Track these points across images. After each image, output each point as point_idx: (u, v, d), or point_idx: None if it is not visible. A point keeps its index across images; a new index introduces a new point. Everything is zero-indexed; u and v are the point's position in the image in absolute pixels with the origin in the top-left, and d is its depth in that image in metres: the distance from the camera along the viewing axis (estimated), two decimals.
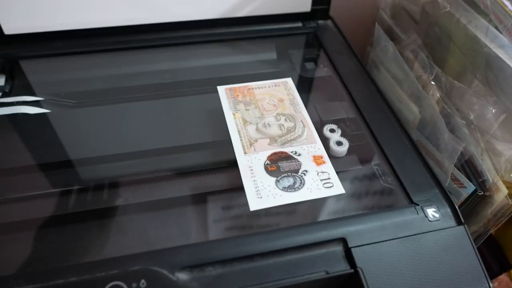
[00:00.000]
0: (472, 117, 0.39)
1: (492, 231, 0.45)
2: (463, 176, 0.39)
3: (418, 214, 0.34)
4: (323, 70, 0.49)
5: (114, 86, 0.47)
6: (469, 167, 0.40)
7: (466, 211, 0.41)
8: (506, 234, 0.44)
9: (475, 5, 0.38)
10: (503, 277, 0.52)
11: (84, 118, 0.43)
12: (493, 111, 0.37)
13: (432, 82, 0.40)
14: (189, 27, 0.50)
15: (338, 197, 0.35)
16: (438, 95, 0.41)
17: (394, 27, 0.46)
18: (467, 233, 0.33)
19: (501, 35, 0.35)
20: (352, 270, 0.31)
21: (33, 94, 0.45)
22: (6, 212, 0.33)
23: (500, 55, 0.35)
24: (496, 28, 0.35)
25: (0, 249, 0.31)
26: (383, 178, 0.38)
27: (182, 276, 0.29)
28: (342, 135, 0.41)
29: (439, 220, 0.34)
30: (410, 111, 0.43)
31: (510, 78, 0.34)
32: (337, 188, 0.35)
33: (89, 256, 0.31)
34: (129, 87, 0.46)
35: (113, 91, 0.46)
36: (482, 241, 0.42)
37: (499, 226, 0.41)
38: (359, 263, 0.31)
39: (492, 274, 0.45)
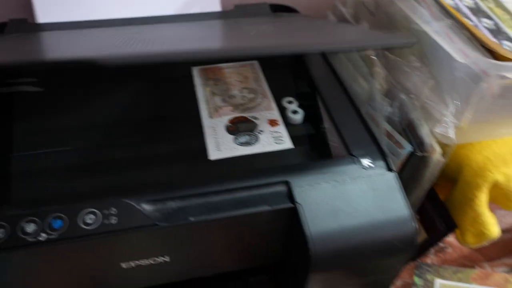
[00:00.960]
0: (409, 86, 0.44)
1: (438, 192, 0.50)
2: (402, 138, 0.44)
3: (355, 163, 0.39)
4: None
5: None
6: (410, 131, 0.45)
7: (409, 174, 0.46)
8: (451, 196, 0.49)
9: None
10: (456, 243, 0.56)
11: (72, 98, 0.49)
12: (424, 79, 0.42)
13: (374, 57, 0.46)
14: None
15: (288, 151, 0.41)
16: (383, 72, 0.47)
17: (348, 16, 0.52)
18: (396, 179, 0.39)
19: (425, 12, 0.41)
20: (291, 205, 0.36)
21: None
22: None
23: (424, 29, 0.41)
24: (421, 6, 0.42)
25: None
26: (330, 138, 0.43)
27: (147, 207, 0.35)
28: (299, 106, 0.47)
29: (373, 168, 0.39)
30: (362, 88, 0.49)
31: (432, 48, 0.40)
32: (287, 144, 0.41)
33: (71, 190, 0.36)
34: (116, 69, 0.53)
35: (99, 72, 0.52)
36: (423, 199, 0.47)
37: (438, 184, 0.46)
38: (298, 200, 0.36)
39: (439, 234, 0.49)
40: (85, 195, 0.35)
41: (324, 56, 0.52)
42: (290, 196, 0.37)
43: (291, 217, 0.37)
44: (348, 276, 0.40)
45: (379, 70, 0.47)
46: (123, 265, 0.37)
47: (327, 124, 0.45)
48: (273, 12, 0.59)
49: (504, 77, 0.36)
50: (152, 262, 0.38)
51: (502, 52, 0.38)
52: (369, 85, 0.47)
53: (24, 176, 0.37)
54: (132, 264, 0.37)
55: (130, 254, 0.37)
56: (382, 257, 0.38)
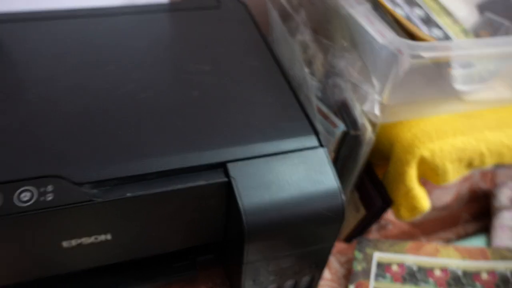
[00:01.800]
0: (342, 68, 0.47)
1: (377, 171, 0.53)
2: (336, 118, 0.47)
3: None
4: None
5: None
6: (344, 111, 0.48)
7: (346, 152, 0.49)
8: (386, 173, 0.52)
9: None
10: (396, 220, 0.59)
11: None
12: (353, 61, 0.45)
13: (310, 42, 0.48)
14: None
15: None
16: (320, 56, 0.50)
17: (286, 6, 0.54)
18: (326, 154, 0.41)
19: None
20: (226, 179, 0.38)
21: None
22: None
23: (350, 13, 0.43)
24: None
25: None
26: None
27: (84, 184, 0.36)
28: None
29: (304, 144, 0.41)
30: (300, 71, 0.52)
31: (357, 30, 0.43)
32: None
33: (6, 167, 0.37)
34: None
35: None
36: (361, 176, 0.49)
37: (375, 162, 0.49)
38: (232, 174, 0.38)
39: (377, 210, 0.52)
40: (22, 172, 0.35)
41: (266, 44, 0.54)
42: (225, 171, 0.39)
43: (228, 192, 0.39)
44: (285, 247, 0.42)
45: (316, 54, 0.49)
46: (64, 243, 0.38)
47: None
48: (218, 4, 0.61)
49: (419, 56, 0.39)
50: (94, 240, 0.39)
51: (419, 33, 0.41)
52: (307, 69, 0.49)
53: None
54: (74, 242, 0.38)
55: (71, 232, 0.37)
56: (313, 227, 0.40)
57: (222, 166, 0.39)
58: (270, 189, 0.38)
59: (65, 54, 0.49)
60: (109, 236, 0.39)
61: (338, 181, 0.40)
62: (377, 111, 0.43)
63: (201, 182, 0.38)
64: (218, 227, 0.44)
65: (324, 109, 0.48)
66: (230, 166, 0.39)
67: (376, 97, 0.43)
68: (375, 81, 0.43)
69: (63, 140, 0.38)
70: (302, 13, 0.52)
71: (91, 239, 0.39)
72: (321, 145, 0.41)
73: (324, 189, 0.39)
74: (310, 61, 0.50)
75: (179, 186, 0.37)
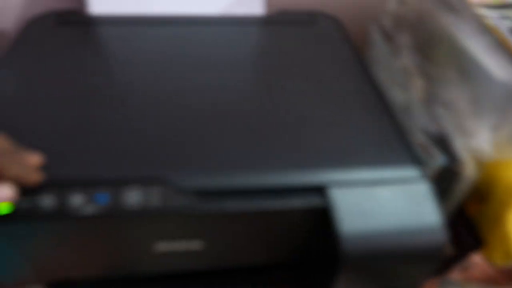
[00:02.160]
0: (447, 98, 0.45)
1: (465, 208, 0.50)
2: (435, 150, 0.44)
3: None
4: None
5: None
6: (444, 143, 0.45)
7: (441, 187, 0.47)
8: (481, 213, 0.49)
9: (448, 4, 0.45)
10: (481, 263, 0.56)
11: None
12: (462, 92, 0.43)
13: (413, 67, 0.47)
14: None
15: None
16: (421, 82, 0.48)
17: (388, 27, 0.53)
18: (430, 188, 0.39)
19: (466, 28, 0.42)
20: (325, 204, 0.37)
21: None
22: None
23: (464, 44, 0.41)
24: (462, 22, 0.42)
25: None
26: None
27: (189, 190, 0.36)
28: None
29: (408, 175, 0.39)
30: (398, 96, 0.50)
31: (471, 63, 0.41)
32: None
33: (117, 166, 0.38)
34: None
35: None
36: (453, 214, 0.47)
37: (466, 200, 0.46)
38: (332, 199, 0.37)
39: (466, 249, 0.49)
40: (129, 174, 0.36)
41: (360, 60, 0.53)
42: (324, 195, 0.38)
43: (323, 216, 0.38)
44: (374, 280, 0.40)
45: (418, 80, 0.47)
46: (155, 246, 0.39)
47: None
48: (313, 19, 0.61)
49: None
50: (182, 246, 0.39)
51: None
52: (406, 94, 0.48)
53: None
54: (164, 246, 0.39)
55: (164, 236, 0.38)
56: (408, 263, 0.38)
57: (321, 189, 0.38)
58: (369, 218, 0.37)
59: (167, 59, 0.51)
60: (197, 244, 0.39)
61: (441, 219, 0.38)
62: (485, 148, 0.40)
63: (301, 203, 0.37)
64: (304, 248, 0.42)
65: (423, 139, 0.46)
66: (330, 190, 0.38)
67: (485, 133, 0.41)
68: (485, 116, 0.41)
69: (169, 145, 0.39)
70: (405, 36, 0.50)
71: (181, 245, 0.39)
72: (425, 178, 0.39)
73: (426, 224, 0.37)
74: (411, 87, 0.49)
75: (279, 205, 0.37)
